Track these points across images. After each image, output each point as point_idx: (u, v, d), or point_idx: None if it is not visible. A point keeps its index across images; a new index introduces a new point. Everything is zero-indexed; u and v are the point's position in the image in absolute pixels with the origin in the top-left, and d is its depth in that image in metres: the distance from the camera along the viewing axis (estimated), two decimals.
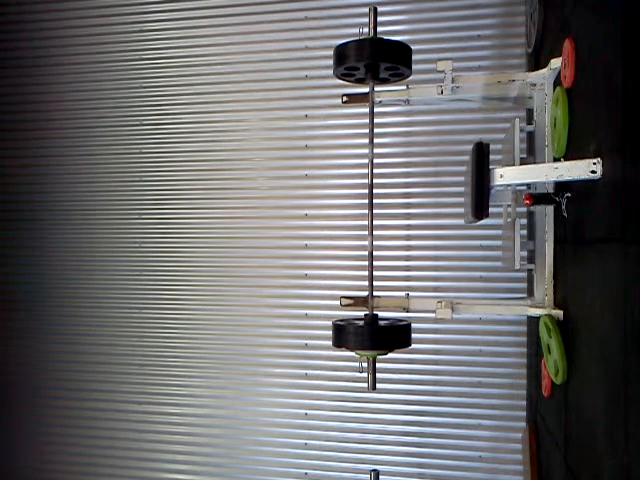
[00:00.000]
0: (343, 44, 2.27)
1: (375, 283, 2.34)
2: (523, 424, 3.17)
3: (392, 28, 3.32)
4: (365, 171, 2.36)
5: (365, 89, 2.41)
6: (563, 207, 2.00)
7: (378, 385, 2.30)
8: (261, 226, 3.58)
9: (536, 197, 2.04)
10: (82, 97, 3.94)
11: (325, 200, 3.50)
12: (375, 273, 2.35)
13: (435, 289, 3.31)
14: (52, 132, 4.00)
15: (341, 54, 2.28)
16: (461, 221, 2.86)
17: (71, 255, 3.96)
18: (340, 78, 2.43)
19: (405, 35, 3.23)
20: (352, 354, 2.26)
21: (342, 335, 2.19)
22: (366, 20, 2.37)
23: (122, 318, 3.85)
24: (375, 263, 2.37)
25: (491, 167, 1.93)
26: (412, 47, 2.32)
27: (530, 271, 2.66)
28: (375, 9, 2.37)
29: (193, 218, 3.75)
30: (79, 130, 3.94)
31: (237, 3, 3.65)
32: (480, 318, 3.22)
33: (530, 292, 2.84)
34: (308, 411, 3.53)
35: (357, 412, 3.44)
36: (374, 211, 2.56)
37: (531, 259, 2.49)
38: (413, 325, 2.25)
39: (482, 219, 1.99)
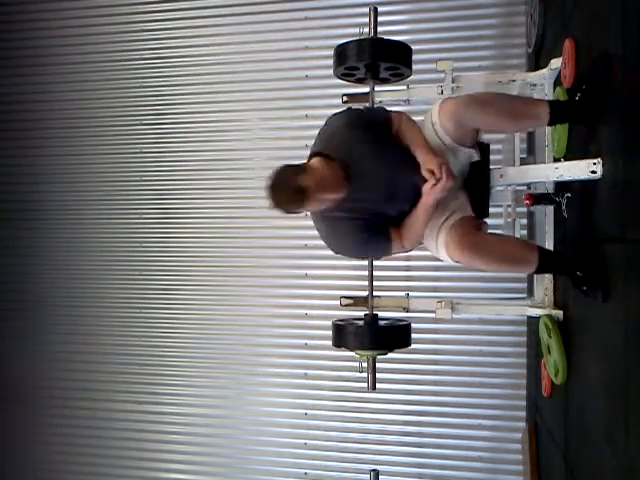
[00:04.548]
0: (343, 44, 2.27)
1: (375, 283, 2.33)
2: (523, 424, 3.17)
3: (392, 28, 3.32)
4: None
5: (365, 89, 2.41)
6: (563, 207, 2.00)
7: (378, 385, 2.30)
8: (261, 226, 3.58)
9: (536, 197, 2.04)
10: (81, 97, 3.93)
11: None
12: (375, 273, 2.35)
13: (435, 289, 3.31)
14: (52, 132, 3.99)
15: (341, 54, 2.27)
16: None
17: (72, 255, 3.95)
18: (340, 78, 2.43)
19: (405, 35, 3.22)
20: (352, 354, 2.25)
21: (342, 335, 2.19)
22: (366, 20, 2.37)
23: (122, 318, 3.84)
24: (375, 263, 2.36)
25: (491, 167, 1.93)
26: (412, 47, 2.32)
27: None
28: (375, 9, 2.37)
29: (193, 218, 3.75)
30: (79, 130, 3.94)
31: (237, 3, 3.65)
32: (480, 318, 3.22)
33: (530, 292, 2.84)
34: (308, 411, 3.53)
35: (357, 412, 3.44)
36: None
37: None
38: (413, 325, 2.25)
39: (482, 219, 1.98)
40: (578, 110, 1.72)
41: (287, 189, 1.69)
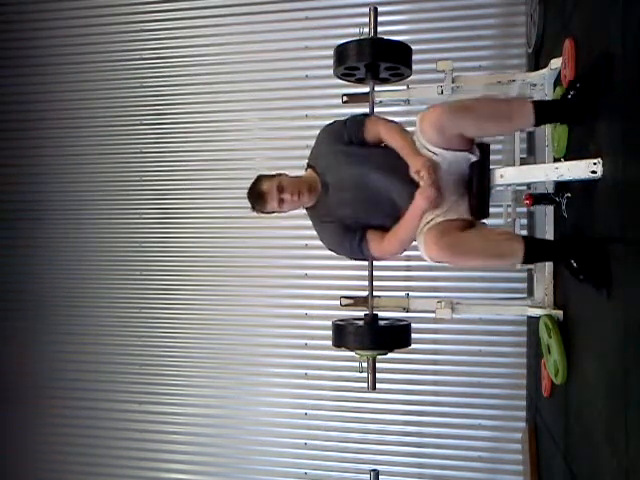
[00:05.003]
0: (343, 44, 2.27)
1: (375, 283, 2.33)
2: (523, 424, 3.17)
3: (392, 28, 3.32)
4: None
5: (365, 89, 2.41)
6: (563, 207, 2.00)
7: (378, 385, 2.30)
8: (261, 226, 3.58)
9: (536, 197, 2.04)
10: (81, 97, 3.93)
11: None
12: (375, 273, 2.35)
13: (435, 289, 3.31)
14: (52, 132, 3.99)
15: (341, 54, 2.28)
16: None
17: (72, 255, 3.95)
18: (340, 78, 2.43)
19: (405, 35, 3.23)
20: (352, 354, 2.25)
21: (342, 335, 2.19)
22: (366, 20, 2.37)
23: (122, 318, 3.84)
24: (375, 263, 2.36)
25: (491, 167, 1.92)
26: (412, 47, 2.32)
27: (530, 271, 2.66)
28: (375, 9, 2.37)
29: (193, 218, 3.75)
30: (79, 130, 3.94)
31: (237, 3, 3.65)
32: (480, 318, 3.22)
33: (530, 292, 2.84)
34: (308, 411, 3.53)
35: (357, 412, 3.44)
36: None
37: None
38: (413, 325, 2.25)
39: (482, 219, 1.98)
40: (568, 108, 1.71)
41: (252, 193, 2.07)
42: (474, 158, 1.88)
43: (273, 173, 2.09)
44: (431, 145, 1.84)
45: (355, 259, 2.14)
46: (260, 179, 2.07)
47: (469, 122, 1.78)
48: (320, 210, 2.09)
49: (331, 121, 2.16)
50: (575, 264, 1.67)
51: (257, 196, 2.04)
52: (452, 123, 1.77)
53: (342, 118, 2.13)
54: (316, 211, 2.11)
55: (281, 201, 2.01)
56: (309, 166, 2.14)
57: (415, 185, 1.90)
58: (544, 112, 1.77)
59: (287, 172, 2.09)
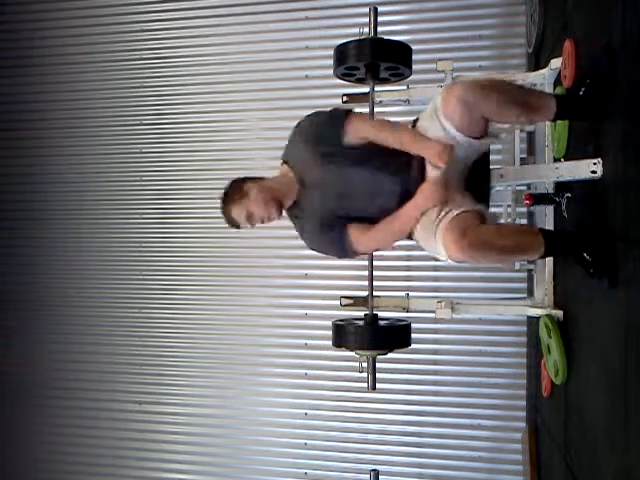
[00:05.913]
0: (343, 44, 2.27)
1: (375, 283, 2.33)
2: (523, 424, 3.17)
3: (392, 28, 3.32)
4: None
5: (365, 89, 2.41)
6: (563, 207, 2.00)
7: (378, 385, 2.30)
8: (261, 226, 3.56)
9: (536, 197, 2.04)
10: (81, 97, 3.93)
11: None
12: (375, 273, 2.35)
13: (435, 289, 3.31)
14: (52, 132, 4.00)
15: (341, 54, 2.27)
16: None
17: (72, 255, 3.95)
18: (340, 78, 2.42)
19: (405, 35, 3.23)
20: (352, 354, 2.25)
21: (342, 335, 2.18)
22: (366, 20, 2.37)
23: (122, 318, 3.84)
24: (375, 263, 2.36)
25: (491, 167, 1.92)
26: (412, 47, 2.32)
27: (530, 271, 2.67)
28: (375, 9, 2.37)
29: (193, 218, 3.75)
30: (79, 130, 3.94)
31: (238, 3, 3.65)
32: (480, 318, 3.22)
33: (530, 292, 2.84)
34: (308, 411, 3.53)
35: (357, 412, 3.44)
36: None
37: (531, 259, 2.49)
38: (413, 325, 2.24)
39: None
40: (583, 105, 1.68)
41: (225, 215, 1.94)
42: (484, 149, 1.82)
43: (244, 184, 1.91)
44: (451, 126, 1.69)
45: (339, 257, 2.05)
46: (235, 182, 1.94)
47: (498, 103, 1.66)
48: (298, 207, 1.98)
49: (310, 113, 2.01)
50: (588, 257, 1.62)
51: (230, 222, 1.97)
52: (480, 100, 1.64)
53: (323, 109, 1.99)
54: (295, 210, 2.00)
55: (252, 224, 1.96)
56: (284, 162, 2.01)
57: (405, 183, 1.82)
58: (564, 107, 1.70)
59: (265, 175, 1.97)
